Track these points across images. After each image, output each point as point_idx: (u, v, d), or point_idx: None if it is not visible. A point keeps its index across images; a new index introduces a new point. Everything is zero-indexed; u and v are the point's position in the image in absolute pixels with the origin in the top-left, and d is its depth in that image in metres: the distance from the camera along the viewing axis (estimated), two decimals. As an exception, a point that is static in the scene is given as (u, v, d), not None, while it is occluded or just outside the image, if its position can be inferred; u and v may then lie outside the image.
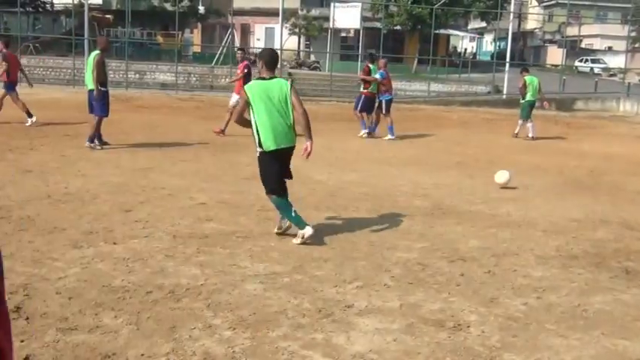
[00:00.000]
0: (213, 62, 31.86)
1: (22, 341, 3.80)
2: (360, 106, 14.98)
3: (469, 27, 53.12)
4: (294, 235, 6.15)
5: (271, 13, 38.03)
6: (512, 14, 34.59)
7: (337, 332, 4.16)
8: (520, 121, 16.47)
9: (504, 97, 28.00)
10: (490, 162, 11.82)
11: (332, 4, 35.61)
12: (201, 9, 44.64)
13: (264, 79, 6.15)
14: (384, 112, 14.90)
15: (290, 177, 6.37)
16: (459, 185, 9.57)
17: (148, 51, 37.03)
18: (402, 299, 4.79)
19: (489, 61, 41.43)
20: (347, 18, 36.44)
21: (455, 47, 53.22)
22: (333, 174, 9.98)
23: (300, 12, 41.67)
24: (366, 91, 14.97)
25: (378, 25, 34.87)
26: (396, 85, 29.28)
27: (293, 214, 6.14)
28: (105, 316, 4.21)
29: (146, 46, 39.11)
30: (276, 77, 6.24)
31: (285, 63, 33.18)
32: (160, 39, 41.45)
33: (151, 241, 5.90)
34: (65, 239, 5.82)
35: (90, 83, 10.83)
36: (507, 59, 31.31)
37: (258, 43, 45.13)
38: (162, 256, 5.48)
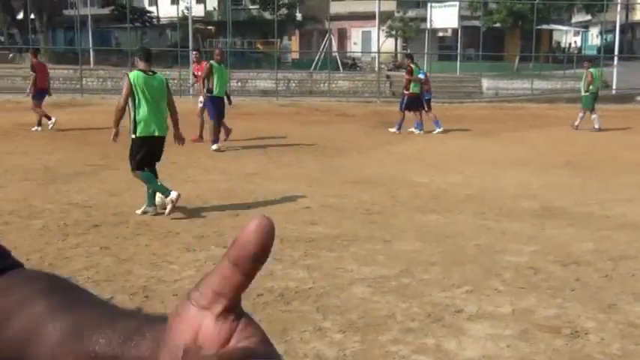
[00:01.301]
0: (312, 68, 32.26)
1: (143, 341, 3.98)
2: (404, 105, 15.32)
3: (573, 21, 51.09)
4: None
5: (368, 17, 38.10)
6: (619, 5, 33.02)
7: (448, 337, 4.11)
8: (581, 114, 16.34)
9: (614, 92, 26.77)
10: (600, 160, 11.34)
11: (429, 5, 35.22)
12: (299, 16, 45.34)
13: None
14: (426, 109, 15.52)
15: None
16: (569, 185, 9.23)
17: (248, 59, 37.97)
18: (514, 304, 4.66)
19: (596, 55, 39.69)
20: (444, 18, 35.97)
21: (558, 42, 51.35)
22: (435, 176, 9.86)
23: (396, 14, 41.48)
24: (409, 91, 15.29)
25: (476, 23, 34.20)
26: (497, 84, 28.76)
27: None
28: (219, 318, 4.34)
29: (247, 55, 40.11)
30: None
31: (382, 66, 33.14)
32: (259, 47, 42.42)
33: (259, 245, 6.02)
34: (179, 243, 6.06)
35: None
36: (615, 53, 29.91)
37: (355, 47, 45.33)
38: (271, 259, 5.44)
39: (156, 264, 5.44)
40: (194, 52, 13.97)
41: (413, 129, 15.32)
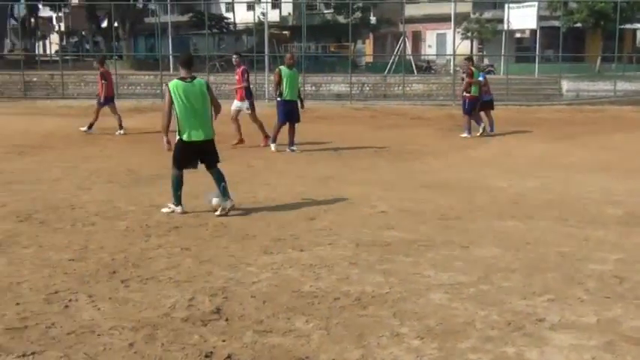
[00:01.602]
0: (386, 71, 32.13)
1: (223, 341, 4.06)
2: (468, 108, 15.11)
3: (659, 19, 48.92)
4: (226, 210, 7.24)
5: (443, 19, 37.66)
6: None
7: (529, 347, 4.00)
8: None
9: None
10: (691, 166, 10.81)
11: (506, 6, 34.48)
12: (373, 19, 45.28)
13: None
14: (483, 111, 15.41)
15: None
16: (656, 192, 8.84)
17: (322, 63, 38.17)
18: (598, 314, 4.50)
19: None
20: (522, 18, 35.07)
21: (643, 42, 49.27)
22: (514, 181, 9.64)
23: (472, 15, 40.84)
24: (470, 94, 15.00)
25: (556, 23, 33.25)
26: (577, 85, 27.85)
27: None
28: (297, 321, 4.38)
29: (321, 59, 40.34)
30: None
31: (457, 68, 32.67)
32: (333, 51, 42.61)
33: (335, 249, 6.05)
34: (256, 245, 6.15)
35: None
36: None
37: (429, 50, 44.91)
38: (347, 264, 5.60)
39: (234, 266, 5.53)
40: (235, 57, 14.08)
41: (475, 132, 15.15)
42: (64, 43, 58.10)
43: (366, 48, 49.12)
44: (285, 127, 12.45)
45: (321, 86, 29.33)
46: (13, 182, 9.20)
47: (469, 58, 16.43)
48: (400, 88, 27.75)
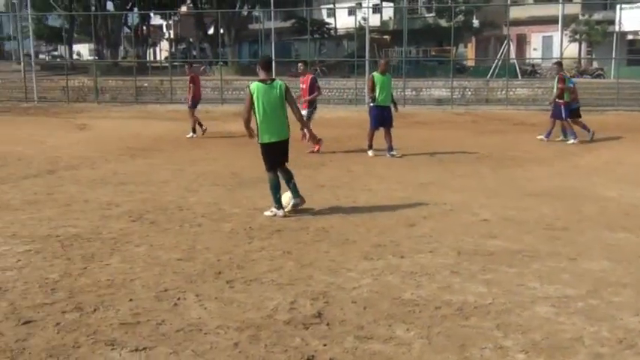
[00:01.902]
0: (489, 75, 31.45)
1: (324, 345, 4.11)
2: (565, 114, 14.75)
3: None
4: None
5: (549, 21, 36.46)
6: None
7: (643, 366, 3.82)
8: None
9: None
10: None
11: (618, 6, 32.98)
12: (476, 22, 44.40)
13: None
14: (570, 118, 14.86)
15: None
16: None
17: (423, 68, 37.83)
18: None
19: None
20: (636, 19, 33.47)
21: None
22: (625, 190, 9.20)
23: (580, 17, 39.27)
24: (562, 100, 14.65)
25: (674, 24, 31.44)
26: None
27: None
28: (397, 328, 4.37)
29: (421, 63, 40.00)
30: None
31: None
32: (434, 55, 42.14)
33: (436, 257, 5.99)
34: (357, 251, 6.18)
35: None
36: None
37: (534, 53, 43.55)
38: (448, 272, 5.53)
39: (335, 270, 5.59)
40: (300, 64, 14.11)
41: (564, 138, 14.76)
42: (173, 49, 60.59)
43: (468, 52, 48.23)
44: (381, 133, 12.46)
45: (421, 91, 29.05)
46: (126, 183, 9.69)
47: (559, 63, 15.76)
48: (503, 92, 27.06)
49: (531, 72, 36.12)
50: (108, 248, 6.20)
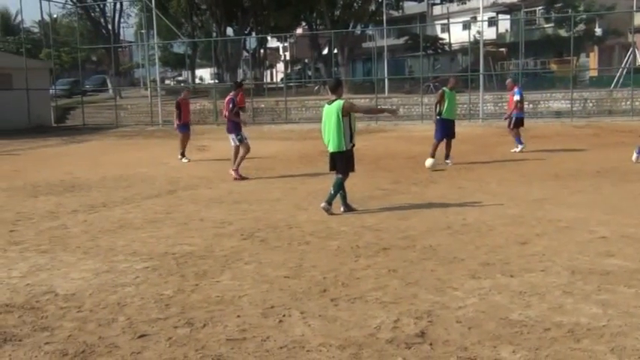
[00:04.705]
0: (612, 85, 29.98)
1: (426, 365, 4.06)
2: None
3: None
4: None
5: (680, 25, 34.25)
6: None
7: None
8: None
9: None
10: None
11: None
12: (598, 31, 42.50)
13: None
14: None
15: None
16: None
17: (541, 80, 36.62)
18: None
19: None
20: None
21: None
22: None
23: None
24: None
25: None
26: None
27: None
28: (503, 350, 4.24)
29: (539, 75, 38.72)
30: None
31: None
32: (553, 66, 40.68)
33: (548, 276, 5.77)
34: (464, 269, 6.06)
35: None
36: None
37: (664, 59, 41.01)
38: (560, 292, 5.30)
39: (440, 289, 5.51)
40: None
41: None
42: (289, 70, 62.20)
43: (590, 62, 46.18)
44: (443, 143, 13.51)
45: (539, 104, 28.13)
46: (240, 202, 10.03)
47: None
48: (628, 102, 25.69)
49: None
50: (219, 265, 6.44)
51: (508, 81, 17.05)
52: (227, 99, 12.93)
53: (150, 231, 8.14)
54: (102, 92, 44.92)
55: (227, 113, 12.77)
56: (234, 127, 12.75)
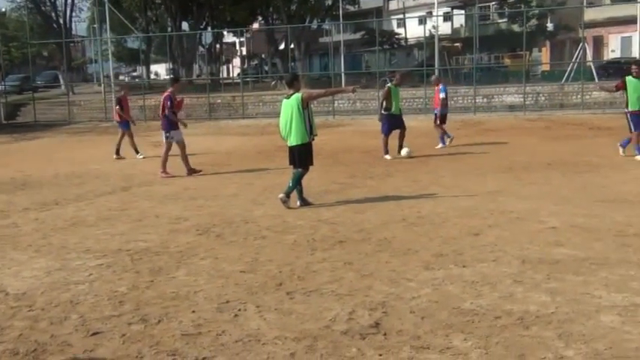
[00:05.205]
0: (563, 79, 30.64)
1: (380, 355, 4.11)
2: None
3: None
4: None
5: (628, 21, 35.18)
6: None
7: None
8: None
9: None
10: None
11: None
12: (550, 26, 43.37)
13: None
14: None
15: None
16: None
17: (495, 74, 37.21)
18: None
19: None
20: None
21: None
22: None
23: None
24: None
25: None
26: None
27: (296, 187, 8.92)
28: (455, 338, 4.32)
29: (493, 70, 39.35)
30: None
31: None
32: (507, 61, 41.38)
33: (499, 266, 5.89)
34: (418, 260, 6.15)
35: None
36: None
37: (612, 54, 42.12)
38: (511, 281, 5.42)
39: (395, 281, 5.58)
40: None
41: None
42: (245, 66, 61.87)
43: (543, 56, 47.11)
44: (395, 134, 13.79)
45: (492, 98, 28.58)
46: (196, 198, 9.96)
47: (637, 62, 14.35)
48: (579, 96, 26.31)
49: (609, 74, 34.90)
50: (174, 261, 6.40)
51: (433, 77, 17.39)
52: (165, 95, 12.59)
53: (104, 228, 8.03)
54: (54, 88, 43.93)
55: (166, 111, 12.31)
56: (169, 124, 12.43)
